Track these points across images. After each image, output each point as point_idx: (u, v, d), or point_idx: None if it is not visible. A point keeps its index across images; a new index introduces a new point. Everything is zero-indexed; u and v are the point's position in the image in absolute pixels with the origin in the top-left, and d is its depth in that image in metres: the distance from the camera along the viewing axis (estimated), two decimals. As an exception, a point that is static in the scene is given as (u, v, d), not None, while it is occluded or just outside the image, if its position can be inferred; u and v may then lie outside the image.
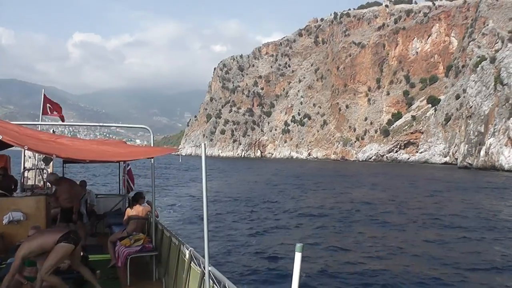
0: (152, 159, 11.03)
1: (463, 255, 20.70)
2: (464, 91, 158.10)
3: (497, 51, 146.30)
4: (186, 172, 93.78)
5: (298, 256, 4.90)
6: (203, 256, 7.14)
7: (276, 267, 18.33)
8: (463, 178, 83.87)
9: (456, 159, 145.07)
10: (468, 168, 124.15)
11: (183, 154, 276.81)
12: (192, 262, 8.43)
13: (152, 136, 11.95)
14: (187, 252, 8.75)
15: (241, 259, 19.46)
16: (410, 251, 21.33)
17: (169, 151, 9.75)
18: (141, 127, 12.56)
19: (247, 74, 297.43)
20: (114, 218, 14.91)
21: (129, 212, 12.06)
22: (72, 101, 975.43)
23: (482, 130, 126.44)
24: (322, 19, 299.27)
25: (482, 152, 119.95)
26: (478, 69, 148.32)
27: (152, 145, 11.97)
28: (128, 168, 16.75)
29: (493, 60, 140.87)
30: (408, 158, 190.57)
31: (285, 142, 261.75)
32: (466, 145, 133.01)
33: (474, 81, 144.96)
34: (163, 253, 11.10)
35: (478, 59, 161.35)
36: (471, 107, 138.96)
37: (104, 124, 12.51)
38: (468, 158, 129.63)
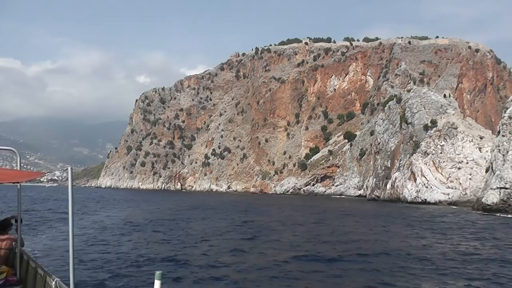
0: (19, 184, 10.50)
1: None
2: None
3: (409, 91, 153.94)
4: (90, 203, 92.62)
5: (157, 284, 5.42)
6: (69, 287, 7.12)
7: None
8: (365, 208, 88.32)
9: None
10: (376, 200, 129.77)
11: (102, 186, 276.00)
12: None
13: (18, 159, 10.89)
14: (52, 284, 8.42)
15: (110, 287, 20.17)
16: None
17: (36, 175, 9.68)
18: (7, 149, 11.08)
19: (168, 107, 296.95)
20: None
21: (-10, 242, 11.07)
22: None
23: (389, 165, 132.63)
24: (243, 54, 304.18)
25: (389, 185, 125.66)
26: (386, 108, 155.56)
27: (19, 169, 10.96)
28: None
29: (399, 100, 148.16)
30: (325, 191, 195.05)
31: (205, 175, 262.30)
32: (374, 179, 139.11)
33: (382, 119, 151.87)
34: (28, 286, 10.45)
35: (385, 99, 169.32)
36: (379, 143, 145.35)
37: None
38: (376, 190, 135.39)
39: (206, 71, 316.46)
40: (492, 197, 74.82)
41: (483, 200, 76.98)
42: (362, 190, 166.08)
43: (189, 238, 36.66)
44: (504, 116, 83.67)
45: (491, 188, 76.56)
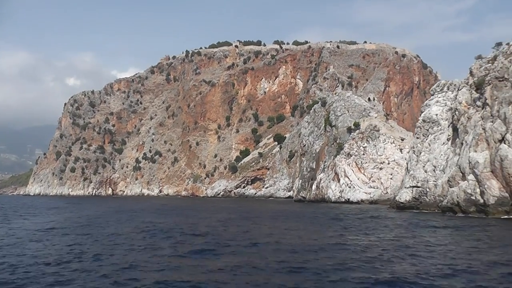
0: None
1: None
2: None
3: (337, 94, 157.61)
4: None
5: None
6: None
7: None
8: (285, 208, 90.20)
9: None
10: (302, 201, 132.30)
11: (31, 194, 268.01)
12: None
13: None
14: None
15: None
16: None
17: None
18: None
19: (98, 111, 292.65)
20: None
21: None
22: None
23: (314, 167, 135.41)
24: (174, 57, 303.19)
25: (314, 186, 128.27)
26: (311, 111, 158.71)
27: None
28: None
29: (324, 103, 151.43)
30: (255, 193, 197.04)
31: (136, 179, 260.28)
32: (300, 180, 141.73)
33: (307, 122, 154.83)
34: None
35: (310, 102, 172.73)
36: (305, 145, 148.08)
37: None
38: (302, 192, 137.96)
39: (137, 74, 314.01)
40: (405, 195, 77.94)
41: (397, 198, 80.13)
42: (291, 192, 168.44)
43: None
44: (419, 119, 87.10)
45: (405, 187, 79.80)
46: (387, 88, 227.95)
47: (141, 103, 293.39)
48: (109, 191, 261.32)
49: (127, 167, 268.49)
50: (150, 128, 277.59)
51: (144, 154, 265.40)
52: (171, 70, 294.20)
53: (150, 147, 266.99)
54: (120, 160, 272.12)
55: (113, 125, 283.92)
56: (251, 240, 36.56)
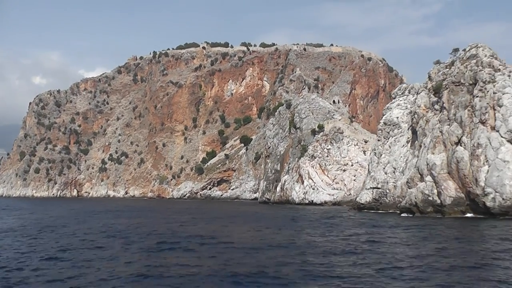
0: None
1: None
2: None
3: (302, 97, 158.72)
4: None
5: None
6: None
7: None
8: (245, 209, 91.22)
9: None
10: (267, 203, 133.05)
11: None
12: None
13: None
14: None
15: None
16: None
17: None
18: None
19: (64, 110, 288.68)
20: None
21: None
22: None
23: (279, 168, 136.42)
24: (141, 57, 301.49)
25: (278, 188, 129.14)
26: (276, 113, 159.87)
27: None
28: None
29: (289, 105, 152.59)
30: (222, 195, 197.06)
31: (102, 180, 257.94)
32: (265, 182, 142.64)
33: (272, 124, 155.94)
34: None
35: (277, 104, 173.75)
36: (270, 147, 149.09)
37: None
38: (266, 193, 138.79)
39: (103, 74, 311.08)
40: (365, 197, 79.50)
41: (358, 199, 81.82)
42: (257, 194, 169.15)
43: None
44: (380, 122, 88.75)
45: (365, 188, 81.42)
46: (353, 91, 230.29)
47: (107, 103, 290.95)
48: (74, 193, 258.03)
49: (92, 168, 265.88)
50: (116, 128, 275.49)
51: (110, 155, 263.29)
52: (138, 71, 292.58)
53: (116, 148, 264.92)
54: (85, 161, 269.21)
55: (79, 126, 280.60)
56: (201, 240, 38.29)
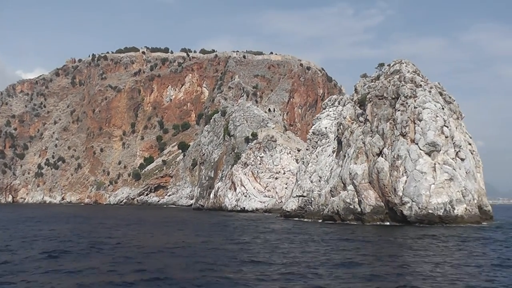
0: None
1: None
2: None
3: (237, 104, 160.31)
4: None
5: None
6: None
7: None
8: (182, 216, 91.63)
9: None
10: (201, 209, 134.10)
11: None
12: None
13: None
14: None
15: None
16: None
17: None
18: None
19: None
20: None
21: None
22: None
23: (212, 175, 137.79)
24: (80, 60, 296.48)
25: (212, 195, 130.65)
26: (211, 120, 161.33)
27: None
28: None
29: (224, 113, 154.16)
30: (158, 201, 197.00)
31: (38, 186, 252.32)
32: (199, 188, 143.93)
33: (207, 131, 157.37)
34: None
35: (212, 111, 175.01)
36: (204, 154, 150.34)
37: None
38: (200, 200, 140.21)
39: (41, 76, 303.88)
40: (291, 204, 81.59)
41: (284, 207, 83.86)
42: (193, 200, 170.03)
43: None
44: (309, 132, 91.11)
45: (292, 196, 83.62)
46: (291, 99, 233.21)
47: (45, 106, 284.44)
48: (9, 199, 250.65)
49: (28, 173, 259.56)
50: (53, 132, 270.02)
51: (47, 160, 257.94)
52: (77, 74, 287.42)
53: (53, 152, 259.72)
54: (21, 165, 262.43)
55: (15, 129, 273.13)
56: (103, 244, 39.96)
